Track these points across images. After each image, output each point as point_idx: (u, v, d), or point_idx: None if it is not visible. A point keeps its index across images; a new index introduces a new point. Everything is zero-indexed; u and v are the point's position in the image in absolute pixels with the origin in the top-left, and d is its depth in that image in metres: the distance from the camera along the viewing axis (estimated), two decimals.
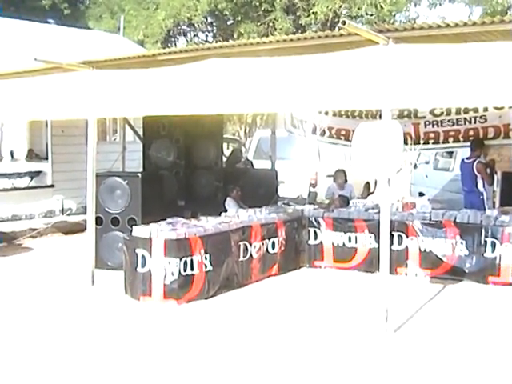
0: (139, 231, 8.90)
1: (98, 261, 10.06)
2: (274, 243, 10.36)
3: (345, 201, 12.32)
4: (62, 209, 15.30)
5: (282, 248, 10.56)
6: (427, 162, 16.97)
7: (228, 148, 21.30)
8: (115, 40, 19.34)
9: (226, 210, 11.26)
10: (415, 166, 18.24)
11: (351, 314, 8.29)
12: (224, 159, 13.95)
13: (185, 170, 12.18)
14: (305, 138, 14.48)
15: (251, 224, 9.98)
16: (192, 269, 8.73)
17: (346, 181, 13.94)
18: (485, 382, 6.17)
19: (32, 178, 15.40)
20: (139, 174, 10.71)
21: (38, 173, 15.56)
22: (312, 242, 11.03)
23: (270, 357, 6.79)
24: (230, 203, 11.82)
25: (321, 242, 10.97)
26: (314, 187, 17.73)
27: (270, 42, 7.57)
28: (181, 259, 8.60)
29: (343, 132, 13.41)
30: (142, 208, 10.45)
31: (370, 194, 21.46)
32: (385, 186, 7.12)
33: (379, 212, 10.47)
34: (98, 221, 10.35)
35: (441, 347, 7.03)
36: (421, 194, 15.84)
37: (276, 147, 14.30)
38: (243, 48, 7.96)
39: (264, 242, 10.16)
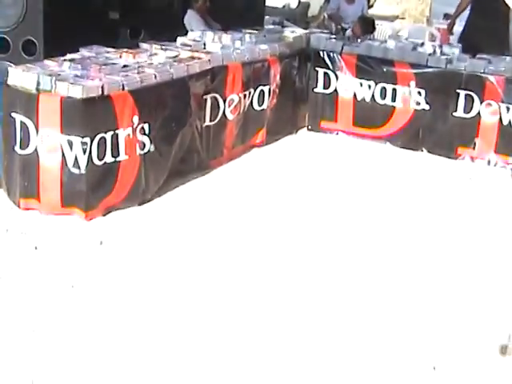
0: (18, 76, 4.74)
1: None
2: (262, 94, 6.31)
3: (369, 23, 8.12)
4: None
5: (275, 101, 6.51)
6: None
7: None
8: None
9: (186, 32, 7.07)
10: None
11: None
12: None
13: None
14: None
15: (227, 63, 5.85)
16: (116, 153, 4.72)
17: None
18: None
19: None
20: None
21: None
22: (320, 90, 6.97)
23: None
24: (192, 20, 7.57)
25: (335, 92, 6.94)
26: None
27: None
28: (94, 136, 4.55)
29: None
30: (46, 23, 6.22)
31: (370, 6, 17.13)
32: None
33: (434, 54, 6.61)
34: None
35: None
36: (447, 17, 10.93)
37: None
38: None
39: (247, 92, 6.10)
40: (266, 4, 9.48)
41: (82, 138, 4.49)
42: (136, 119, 4.80)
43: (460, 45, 7.00)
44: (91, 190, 4.64)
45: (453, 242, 4.81)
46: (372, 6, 17.05)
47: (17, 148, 4.68)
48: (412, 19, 18.21)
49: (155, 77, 4.98)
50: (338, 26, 8.84)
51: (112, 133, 4.65)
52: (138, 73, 4.91)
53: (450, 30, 7.95)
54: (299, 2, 13.39)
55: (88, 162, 4.54)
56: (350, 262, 4.42)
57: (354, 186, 5.75)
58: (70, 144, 4.50)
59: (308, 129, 7.09)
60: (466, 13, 7.80)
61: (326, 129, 7.02)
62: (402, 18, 18.38)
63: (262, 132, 6.45)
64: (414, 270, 4.38)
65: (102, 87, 4.55)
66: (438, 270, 4.40)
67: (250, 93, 6.13)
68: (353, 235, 4.82)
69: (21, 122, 4.61)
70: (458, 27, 8.09)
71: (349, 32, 8.33)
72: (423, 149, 6.56)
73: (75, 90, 4.44)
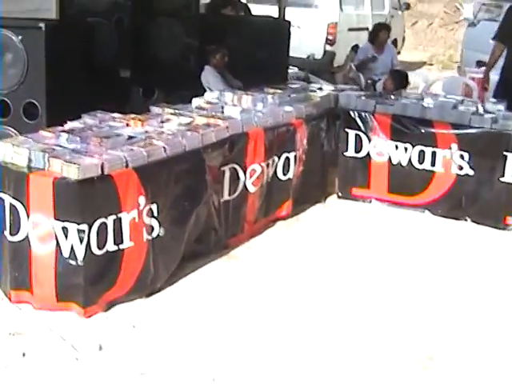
0: (8, 151, 4.15)
1: None
2: (287, 162, 5.67)
3: (402, 77, 7.53)
4: None
5: (301, 168, 5.87)
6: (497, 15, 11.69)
7: None
8: None
9: (203, 89, 6.55)
10: (472, 23, 13.06)
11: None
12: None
13: (134, 18, 7.09)
14: None
15: (247, 129, 5.23)
16: (119, 240, 4.09)
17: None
18: None
19: None
20: (42, 25, 5.73)
21: None
22: (351, 153, 6.33)
23: None
24: (209, 76, 7.06)
25: (368, 156, 6.29)
26: (331, 45, 12.90)
27: None
28: (93, 222, 3.92)
29: None
30: (49, 84, 5.64)
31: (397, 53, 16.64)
32: None
33: (477, 112, 5.97)
34: None
35: None
36: (480, 64, 10.29)
37: None
38: None
39: (270, 161, 5.47)
40: (290, 55, 8.97)
41: (79, 224, 3.86)
42: (142, 200, 4.17)
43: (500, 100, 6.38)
44: (90, 283, 4.00)
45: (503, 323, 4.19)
46: (399, 52, 16.64)
47: (6, 233, 4.07)
48: (440, 65, 17.67)
49: (165, 150, 4.36)
50: (368, 80, 8.29)
51: (114, 217, 4.01)
52: (145, 146, 4.29)
53: (483, 86, 7.33)
54: (324, 52, 12.93)
55: (86, 251, 3.90)
56: (389, 336, 3.88)
57: (390, 258, 5.16)
58: (65, 231, 3.88)
59: (338, 196, 6.43)
60: (501, 62, 7.21)
61: (358, 196, 6.36)
62: (430, 64, 17.84)
63: (288, 203, 5.79)
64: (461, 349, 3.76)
65: (102, 166, 3.93)
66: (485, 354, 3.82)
67: (273, 161, 5.48)
68: (390, 311, 4.28)
69: (10, 204, 4.01)
70: (494, 76, 7.46)
71: (379, 86, 7.76)
72: (467, 218, 5.89)
73: (70, 170, 3.82)
